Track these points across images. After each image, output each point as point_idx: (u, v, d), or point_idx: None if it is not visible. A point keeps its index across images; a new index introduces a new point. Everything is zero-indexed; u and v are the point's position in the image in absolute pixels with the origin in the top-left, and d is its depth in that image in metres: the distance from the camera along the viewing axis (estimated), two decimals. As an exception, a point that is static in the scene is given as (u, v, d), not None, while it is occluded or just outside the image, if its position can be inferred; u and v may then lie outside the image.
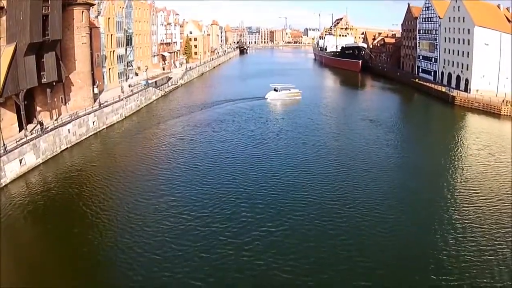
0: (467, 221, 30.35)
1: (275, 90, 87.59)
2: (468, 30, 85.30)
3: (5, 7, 44.01)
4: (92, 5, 66.24)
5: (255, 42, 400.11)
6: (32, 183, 40.64)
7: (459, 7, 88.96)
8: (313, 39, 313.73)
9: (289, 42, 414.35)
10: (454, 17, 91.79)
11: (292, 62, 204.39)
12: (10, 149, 40.95)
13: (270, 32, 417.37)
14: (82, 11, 60.28)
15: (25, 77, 46.13)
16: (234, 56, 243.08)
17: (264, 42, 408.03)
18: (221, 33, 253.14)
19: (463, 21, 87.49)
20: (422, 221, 30.74)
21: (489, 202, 34.05)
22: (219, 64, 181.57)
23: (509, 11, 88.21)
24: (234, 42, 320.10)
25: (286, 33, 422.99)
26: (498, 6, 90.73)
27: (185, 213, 32.17)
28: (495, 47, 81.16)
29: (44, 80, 50.53)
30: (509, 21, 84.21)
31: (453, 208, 32.88)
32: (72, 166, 45.37)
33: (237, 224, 30.33)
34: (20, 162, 42.19)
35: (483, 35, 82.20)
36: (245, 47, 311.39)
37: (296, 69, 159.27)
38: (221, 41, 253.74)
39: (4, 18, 44.56)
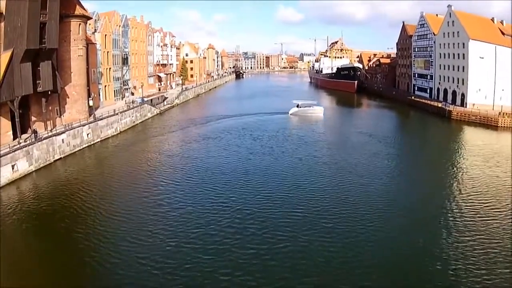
0: (468, 239, 27.88)
1: (298, 106, 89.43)
2: (463, 44, 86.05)
3: (4, 13, 44.12)
4: (89, 18, 66.51)
5: (251, 67, 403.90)
6: (24, 189, 39.66)
7: (453, 21, 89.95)
8: (308, 62, 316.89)
9: (284, 67, 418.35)
10: (448, 32, 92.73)
11: (288, 85, 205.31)
12: (3, 154, 40.19)
13: (266, 57, 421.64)
14: (79, 24, 60.38)
15: (21, 84, 45.85)
16: (230, 80, 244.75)
17: (260, 67, 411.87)
18: (217, 57, 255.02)
19: (458, 36, 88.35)
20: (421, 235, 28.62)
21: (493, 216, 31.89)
22: (215, 87, 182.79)
23: (503, 24, 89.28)
24: (230, 67, 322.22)
25: (282, 59, 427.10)
26: (492, 20, 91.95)
27: (171, 229, 29.86)
28: (490, 60, 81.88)
29: (39, 89, 50.27)
30: (503, 34, 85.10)
31: (455, 224, 30.57)
32: (65, 176, 44.40)
33: (225, 230, 29.03)
34: (12, 168, 41.39)
35: (478, 49, 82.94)
36: (241, 71, 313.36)
37: (291, 91, 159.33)
38: (217, 65, 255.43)
39: (2, 24, 44.62)
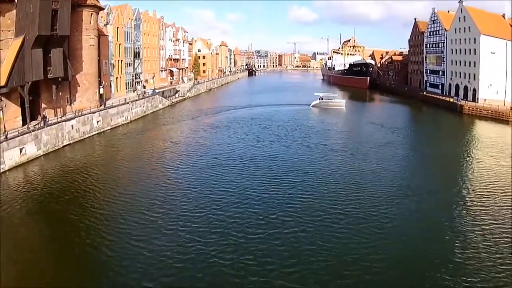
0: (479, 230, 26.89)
1: (320, 98, 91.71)
2: (474, 39, 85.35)
3: (16, 0, 45.01)
4: (101, 9, 67.39)
5: (263, 65, 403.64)
6: (31, 173, 40.27)
7: (464, 17, 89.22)
8: (321, 60, 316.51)
9: (297, 66, 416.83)
10: (460, 28, 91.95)
11: (300, 82, 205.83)
12: (11, 137, 41.05)
13: (279, 56, 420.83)
14: (91, 14, 61.44)
15: (31, 70, 46.71)
16: (242, 77, 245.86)
17: (273, 65, 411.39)
18: (230, 55, 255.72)
19: (469, 31, 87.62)
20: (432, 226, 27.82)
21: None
22: (227, 83, 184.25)
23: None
24: (243, 65, 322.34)
25: (295, 57, 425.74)
26: (503, 16, 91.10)
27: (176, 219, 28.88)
28: (501, 56, 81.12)
29: (50, 75, 51.12)
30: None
31: (469, 213, 29.65)
32: (73, 161, 44.89)
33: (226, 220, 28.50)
34: (20, 151, 42.27)
35: (489, 44, 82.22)
36: (254, 69, 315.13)
37: (304, 87, 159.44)
38: (230, 63, 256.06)
39: (14, 12, 45.49)
